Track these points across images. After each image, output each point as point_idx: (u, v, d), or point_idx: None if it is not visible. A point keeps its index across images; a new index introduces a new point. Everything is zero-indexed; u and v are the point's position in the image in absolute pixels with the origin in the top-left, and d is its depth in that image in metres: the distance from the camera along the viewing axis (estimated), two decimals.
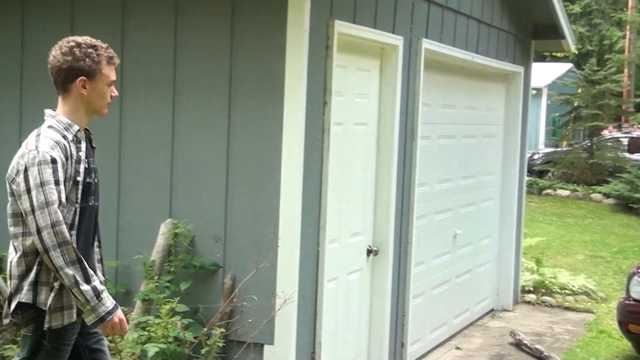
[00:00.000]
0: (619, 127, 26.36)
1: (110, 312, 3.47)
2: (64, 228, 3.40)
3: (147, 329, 4.80)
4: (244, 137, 5.03)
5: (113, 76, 3.67)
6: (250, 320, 4.90)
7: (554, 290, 10.01)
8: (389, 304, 6.24)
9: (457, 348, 7.66)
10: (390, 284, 6.24)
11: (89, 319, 3.45)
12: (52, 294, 3.51)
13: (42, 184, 3.40)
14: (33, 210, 3.40)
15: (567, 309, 9.52)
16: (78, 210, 3.56)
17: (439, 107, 7.38)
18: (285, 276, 4.91)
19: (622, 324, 7.30)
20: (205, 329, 4.87)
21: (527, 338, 7.81)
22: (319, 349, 5.27)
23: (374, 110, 6.08)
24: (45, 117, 3.62)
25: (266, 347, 4.97)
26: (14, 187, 3.53)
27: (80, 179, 3.57)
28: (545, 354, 7.38)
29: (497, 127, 9.02)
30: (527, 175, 14.12)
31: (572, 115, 23.76)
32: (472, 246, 8.43)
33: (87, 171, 3.63)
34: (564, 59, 33.88)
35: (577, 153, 21.96)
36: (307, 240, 5.06)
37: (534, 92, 27.54)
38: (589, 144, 22.17)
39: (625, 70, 29.26)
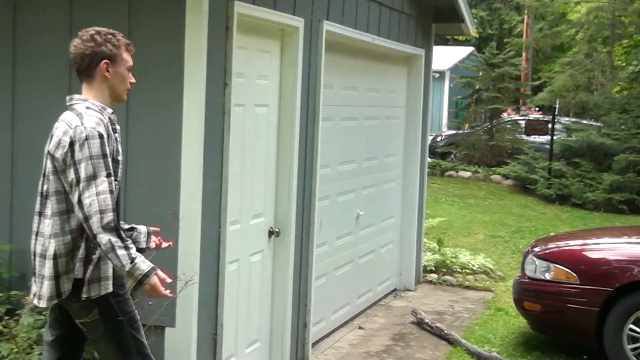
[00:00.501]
0: (517, 110, 27.07)
1: (147, 275, 3.60)
2: (109, 198, 3.51)
3: (44, 313, 4.70)
4: (143, 119, 4.95)
5: (131, 62, 3.83)
6: (150, 303, 4.82)
7: (454, 269, 10.21)
8: (291, 284, 6.27)
9: (360, 328, 7.75)
10: (292, 265, 6.26)
11: (129, 284, 3.61)
12: (91, 267, 3.66)
13: (90, 157, 3.52)
14: (79, 182, 3.51)
15: (467, 287, 9.73)
16: (116, 186, 3.67)
17: (341, 89, 7.41)
18: (187, 258, 4.88)
19: (518, 302, 7.48)
20: None
21: (429, 317, 7.95)
22: (220, 331, 5.26)
23: (275, 92, 6.08)
24: (74, 102, 3.73)
25: (167, 330, 4.93)
26: (56, 163, 3.62)
27: (120, 157, 3.74)
28: (446, 332, 7.54)
29: (399, 109, 9.13)
30: (430, 157, 14.43)
31: (474, 98, 24.26)
32: (375, 227, 8.52)
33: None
34: (466, 43, 34.55)
35: (478, 135, 22.47)
36: (208, 221, 5.03)
37: (437, 75, 28.05)
38: (489, 127, 22.68)
39: (524, 54, 29.98)
